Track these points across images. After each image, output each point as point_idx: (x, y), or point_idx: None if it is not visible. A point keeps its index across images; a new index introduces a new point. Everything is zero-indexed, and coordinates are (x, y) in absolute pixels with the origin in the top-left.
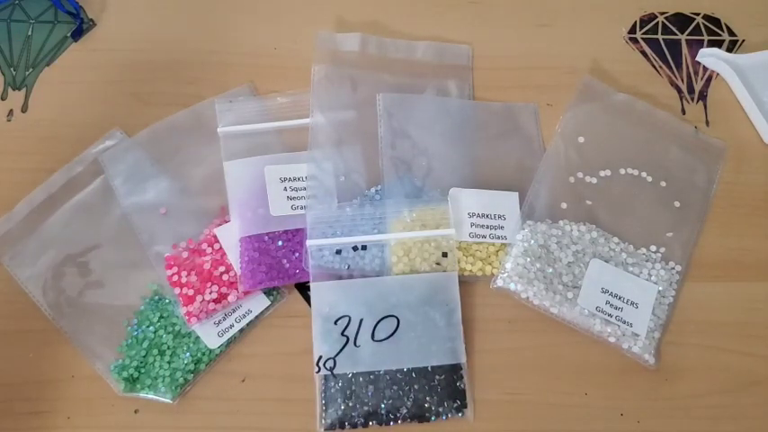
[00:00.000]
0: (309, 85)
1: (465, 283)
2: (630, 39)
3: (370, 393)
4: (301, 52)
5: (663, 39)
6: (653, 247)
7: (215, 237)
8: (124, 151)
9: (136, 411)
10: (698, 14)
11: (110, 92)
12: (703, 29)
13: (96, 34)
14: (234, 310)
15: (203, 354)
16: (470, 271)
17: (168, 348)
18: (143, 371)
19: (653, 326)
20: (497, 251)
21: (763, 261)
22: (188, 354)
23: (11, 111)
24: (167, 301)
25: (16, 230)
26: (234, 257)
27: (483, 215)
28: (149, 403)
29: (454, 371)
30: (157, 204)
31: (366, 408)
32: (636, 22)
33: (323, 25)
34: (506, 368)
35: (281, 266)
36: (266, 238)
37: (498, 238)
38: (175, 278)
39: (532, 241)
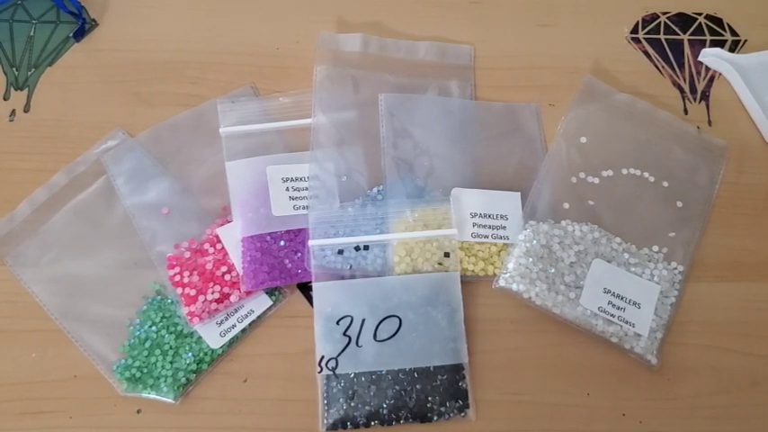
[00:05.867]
0: (311, 85)
1: (467, 283)
2: (632, 39)
3: (372, 393)
4: (303, 53)
5: (665, 39)
6: (655, 248)
7: (217, 237)
8: (126, 151)
9: (138, 411)
10: (700, 14)
11: (112, 92)
12: (705, 29)
13: (98, 34)
14: (236, 310)
15: (205, 354)
16: (472, 271)
17: (170, 348)
18: (145, 371)
19: (655, 326)
20: (499, 251)
21: (765, 261)
22: (190, 354)
23: (13, 111)
24: (169, 301)
25: (18, 231)
26: (236, 257)
27: (485, 215)
28: (151, 403)
29: (456, 371)
30: (159, 204)
31: (368, 408)
32: (638, 21)
33: (325, 25)
34: (508, 368)
35: (283, 266)
36: (268, 238)
37: (500, 238)
38: (177, 278)
39: (535, 241)
